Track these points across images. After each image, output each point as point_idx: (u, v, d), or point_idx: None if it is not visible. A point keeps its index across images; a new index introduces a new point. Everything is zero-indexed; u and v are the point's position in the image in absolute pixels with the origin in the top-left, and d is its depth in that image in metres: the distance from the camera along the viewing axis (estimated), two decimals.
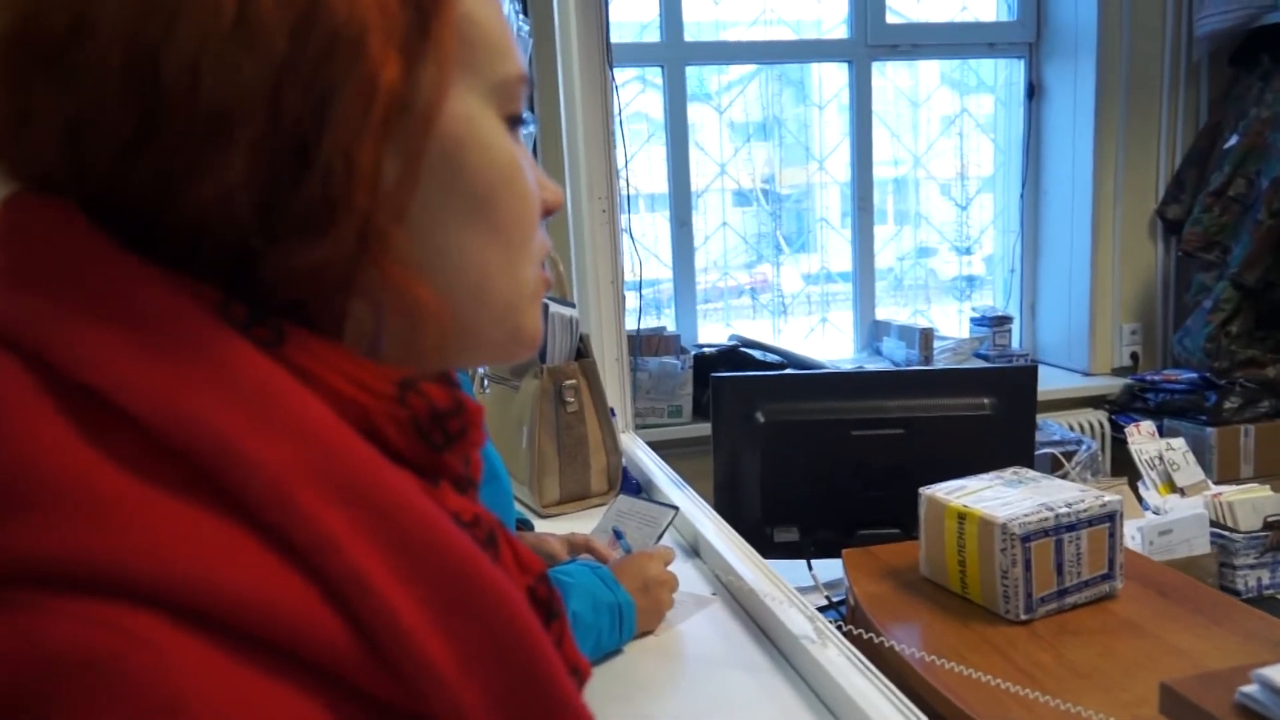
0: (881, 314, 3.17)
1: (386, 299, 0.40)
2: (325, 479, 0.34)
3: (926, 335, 2.88)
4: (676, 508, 1.29)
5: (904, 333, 2.96)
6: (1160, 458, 1.83)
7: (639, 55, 2.88)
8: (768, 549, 1.44)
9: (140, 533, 0.31)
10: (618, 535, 1.26)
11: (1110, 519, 1.14)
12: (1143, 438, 1.85)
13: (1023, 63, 3.13)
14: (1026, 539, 1.08)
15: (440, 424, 0.40)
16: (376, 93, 0.36)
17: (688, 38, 2.91)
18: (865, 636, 1.05)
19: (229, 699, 0.30)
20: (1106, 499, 1.14)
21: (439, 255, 0.41)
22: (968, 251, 3.32)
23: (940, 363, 2.88)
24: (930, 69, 3.20)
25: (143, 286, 0.35)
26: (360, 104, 0.36)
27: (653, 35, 2.89)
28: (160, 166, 0.35)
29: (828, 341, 3.17)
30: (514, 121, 0.43)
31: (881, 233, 3.18)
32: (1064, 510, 1.11)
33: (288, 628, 0.32)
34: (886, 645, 1.03)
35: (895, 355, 2.97)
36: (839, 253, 3.17)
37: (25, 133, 0.36)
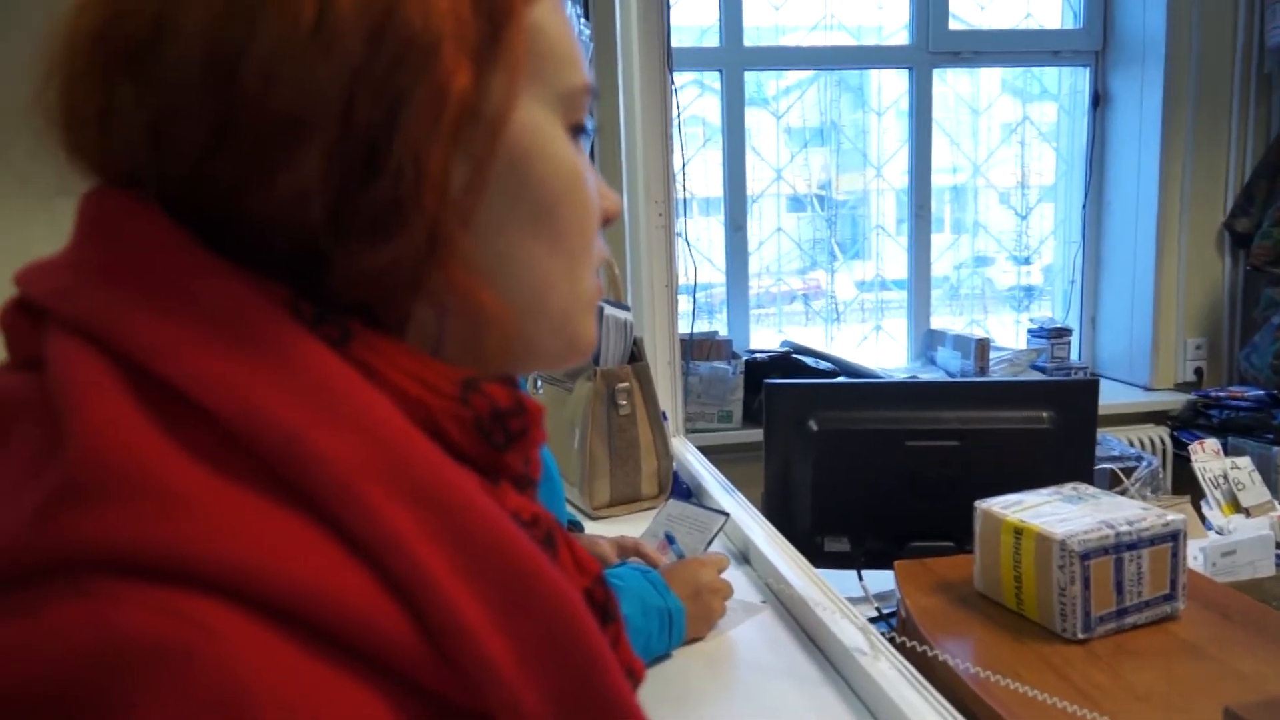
0: (936, 323, 3.14)
1: (450, 303, 0.40)
2: (391, 476, 0.34)
3: (983, 345, 2.83)
4: (727, 514, 1.29)
5: (959, 342, 2.92)
6: (1225, 476, 1.78)
7: (698, 60, 2.88)
8: (818, 558, 1.43)
9: (211, 524, 0.32)
10: (670, 540, 1.26)
11: (1173, 538, 1.11)
12: (1207, 455, 1.81)
13: (1088, 71, 3.08)
14: (1086, 556, 1.06)
15: (502, 423, 0.40)
16: (448, 99, 0.37)
17: (747, 43, 2.90)
18: (917, 649, 1.04)
19: (294, 691, 0.31)
20: (1170, 518, 1.11)
21: (502, 261, 0.41)
22: (1026, 261, 3.26)
23: (996, 374, 2.83)
24: (992, 76, 3.16)
25: (218, 282, 0.36)
26: (431, 110, 0.36)
27: (712, 40, 2.89)
28: (236, 166, 0.36)
29: (881, 350, 3.14)
30: (577, 131, 0.44)
31: (938, 241, 3.14)
32: (1125, 528, 1.08)
33: (352, 622, 0.32)
34: (939, 659, 1.02)
35: (950, 365, 2.93)
36: (894, 260, 3.14)
37: (107, 130, 0.37)
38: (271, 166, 0.35)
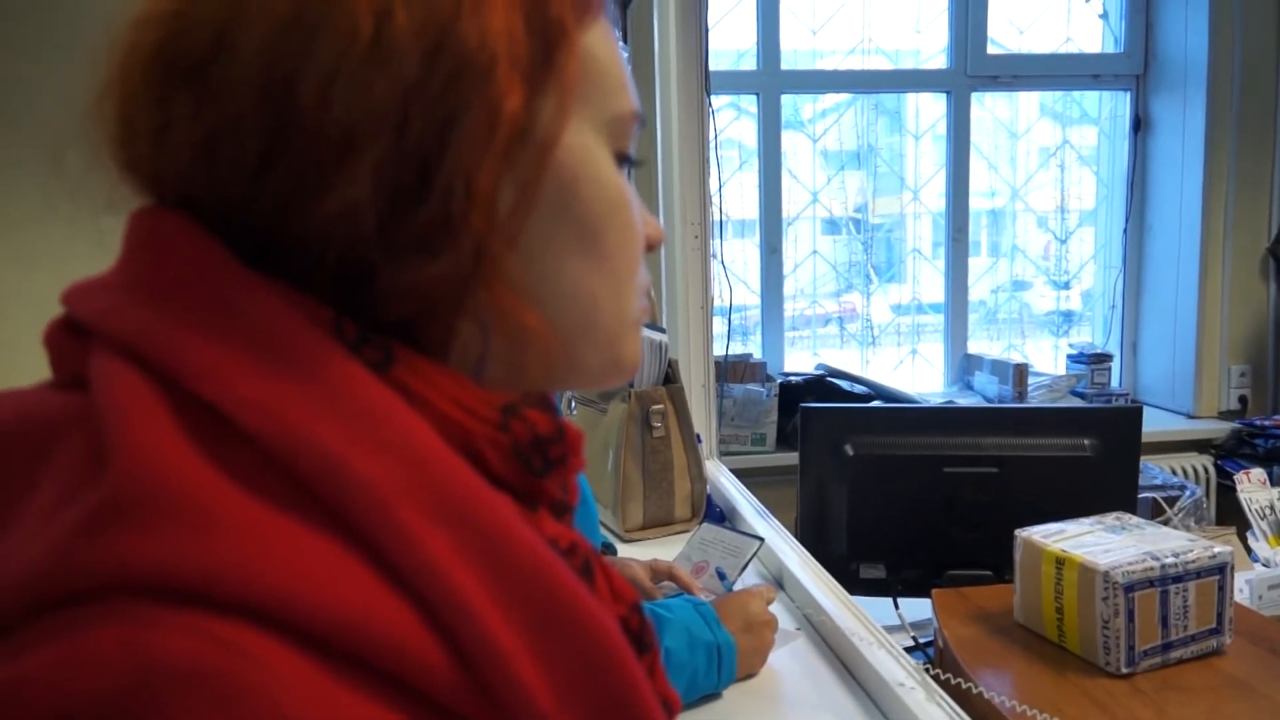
0: (974, 348, 3.10)
1: (494, 322, 0.40)
2: (428, 501, 0.34)
3: (1021, 371, 2.80)
4: (761, 539, 1.28)
5: (997, 367, 2.88)
6: (1271, 507, 1.74)
7: (736, 83, 2.89)
8: (853, 585, 1.41)
9: (251, 549, 0.31)
10: (720, 575, 1.24)
11: (1220, 571, 1.09)
12: (1252, 485, 1.77)
13: (1129, 95, 3.04)
14: (1130, 588, 1.04)
15: (541, 450, 0.40)
16: (500, 119, 0.37)
17: (784, 66, 2.91)
18: (954, 682, 1.02)
19: (331, 719, 0.31)
20: (1217, 550, 1.09)
21: (547, 282, 0.41)
22: (1065, 286, 3.22)
23: (1035, 399, 2.79)
24: (1030, 100, 3.13)
25: (263, 304, 0.36)
26: (484, 129, 0.37)
27: (749, 63, 2.90)
28: (289, 180, 0.36)
29: (917, 374, 3.11)
30: (623, 158, 0.44)
31: (975, 265, 3.11)
32: (1170, 560, 1.06)
33: (387, 649, 0.32)
34: (976, 691, 1.00)
35: (988, 390, 2.90)
36: (931, 283, 3.12)
37: (161, 146, 0.38)
38: (323, 182, 0.35)
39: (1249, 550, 1.73)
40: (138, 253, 0.38)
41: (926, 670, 0.99)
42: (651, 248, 0.47)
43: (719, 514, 1.61)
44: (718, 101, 2.71)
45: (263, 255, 0.37)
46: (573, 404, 1.67)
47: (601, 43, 0.43)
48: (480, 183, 0.37)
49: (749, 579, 1.28)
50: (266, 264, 0.37)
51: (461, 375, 0.39)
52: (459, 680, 0.33)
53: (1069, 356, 3.03)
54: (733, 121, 2.94)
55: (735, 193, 2.94)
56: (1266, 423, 2.72)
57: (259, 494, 0.33)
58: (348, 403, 0.35)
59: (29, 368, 0.42)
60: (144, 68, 0.38)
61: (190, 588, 0.30)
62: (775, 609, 1.20)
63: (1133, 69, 3.02)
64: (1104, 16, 3.05)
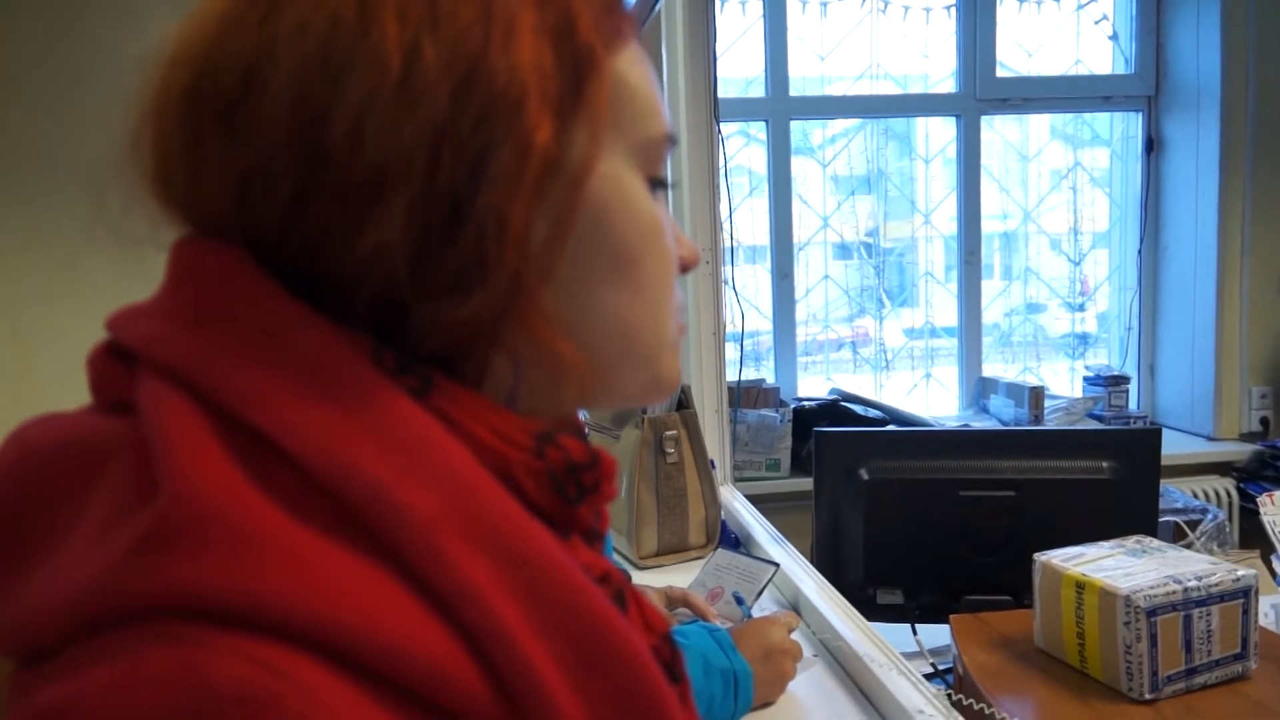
0: (988, 371, 3.09)
1: (529, 354, 0.40)
2: (471, 529, 0.34)
3: (1037, 394, 2.78)
4: (777, 564, 1.26)
5: (1012, 390, 2.86)
6: None
7: (745, 110, 2.91)
8: (870, 610, 1.39)
9: (297, 575, 0.32)
10: (739, 600, 1.23)
11: (1244, 594, 1.07)
12: (1276, 508, 1.74)
13: (1140, 116, 3.04)
14: (1152, 613, 1.02)
15: (575, 476, 0.40)
16: (531, 154, 0.36)
17: (792, 93, 2.92)
18: (976, 708, 1.01)
19: None
20: (1240, 573, 1.07)
21: (583, 312, 0.41)
22: (1080, 308, 3.21)
23: (1051, 423, 2.77)
24: (1040, 122, 3.14)
25: (306, 332, 0.36)
26: (515, 165, 0.36)
27: (757, 90, 2.91)
28: (321, 220, 0.36)
29: (931, 398, 3.09)
30: (655, 181, 0.44)
31: (989, 287, 3.10)
32: (1193, 584, 1.04)
33: (428, 675, 0.32)
34: (1000, 719, 0.98)
35: (1003, 414, 2.88)
36: (943, 307, 3.11)
37: (197, 184, 0.38)
38: (355, 222, 0.35)
39: (1273, 574, 1.70)
40: (182, 280, 0.38)
41: (947, 696, 0.97)
42: (686, 269, 0.47)
43: (734, 540, 1.60)
44: (727, 129, 2.73)
45: (302, 288, 0.37)
46: (586, 431, 1.66)
47: (632, 67, 0.42)
48: (513, 219, 0.36)
49: (767, 605, 1.27)
50: (305, 295, 0.37)
51: (497, 403, 0.39)
52: (498, 708, 0.33)
53: (1085, 379, 3.01)
54: (742, 148, 2.95)
55: (746, 219, 2.94)
56: None
57: (304, 519, 0.33)
58: (392, 430, 0.35)
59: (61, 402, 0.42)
60: (177, 108, 0.38)
61: (240, 612, 0.31)
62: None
63: (1144, 90, 3.01)
64: (1114, 38, 3.06)
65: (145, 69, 0.38)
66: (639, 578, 1.44)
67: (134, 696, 0.29)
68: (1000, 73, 2.99)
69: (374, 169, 0.35)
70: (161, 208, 0.40)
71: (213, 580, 0.31)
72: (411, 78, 0.35)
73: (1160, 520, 2.01)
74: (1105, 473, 1.40)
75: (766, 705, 1.02)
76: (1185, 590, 1.04)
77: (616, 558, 1.52)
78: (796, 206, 2.96)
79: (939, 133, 3.05)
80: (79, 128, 1.72)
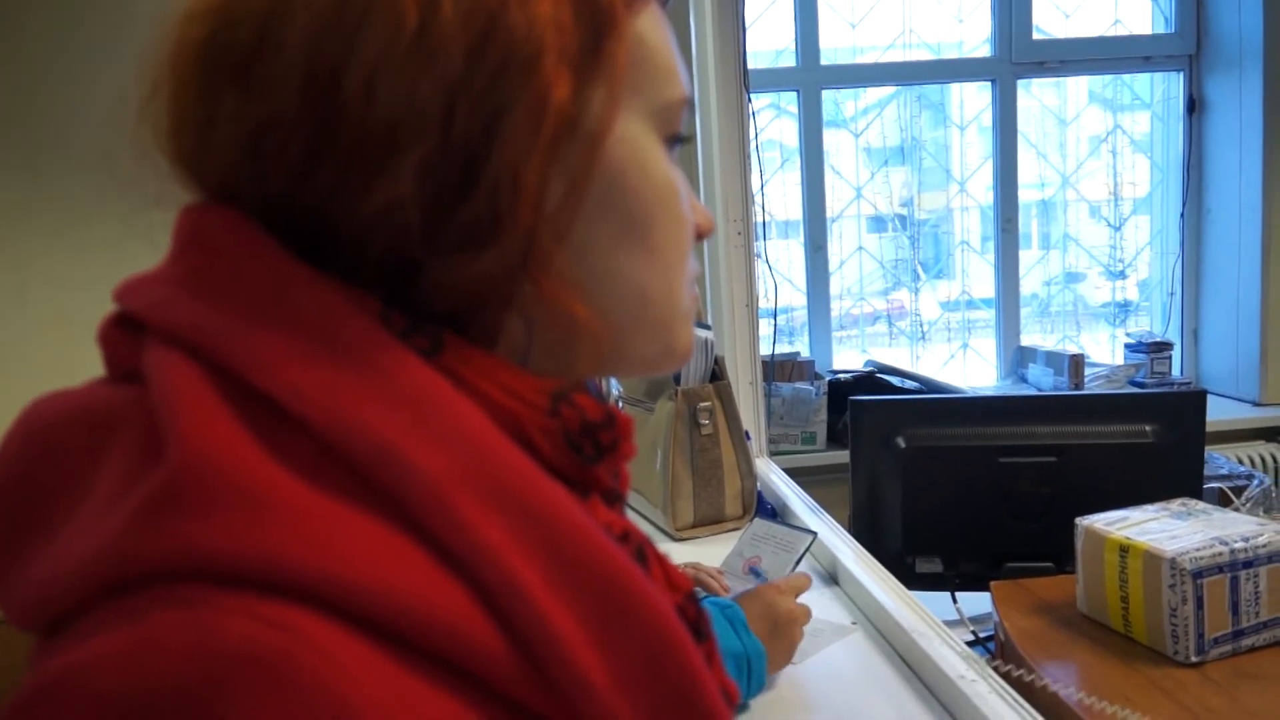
0: (1026, 341, 3.04)
1: (542, 314, 0.40)
2: (483, 487, 0.34)
3: (1077, 361, 2.74)
4: (814, 533, 1.26)
5: (1052, 359, 2.82)
6: None
7: (775, 80, 2.88)
8: (909, 579, 1.38)
9: (311, 536, 0.32)
10: (755, 573, 1.22)
11: None
12: None
13: (1181, 76, 2.97)
14: (1198, 575, 1.00)
15: (591, 436, 0.40)
16: (547, 112, 0.36)
17: (823, 62, 2.88)
18: (1018, 674, 1.00)
19: (393, 706, 0.31)
20: None
21: (597, 275, 0.41)
22: (1121, 275, 3.15)
23: (1092, 390, 2.73)
24: (1079, 86, 3.07)
25: (313, 295, 0.36)
26: (530, 123, 0.36)
27: (787, 61, 2.88)
28: (334, 176, 0.36)
29: (969, 368, 3.06)
30: (672, 142, 0.43)
31: (1026, 257, 3.05)
32: (1240, 545, 1.02)
33: (447, 635, 0.32)
34: (1041, 684, 0.97)
35: (1042, 383, 2.84)
36: (980, 277, 3.06)
37: (209, 140, 0.38)
38: (368, 178, 0.35)
39: None
40: (188, 247, 0.38)
41: (989, 663, 0.97)
42: (701, 236, 0.46)
43: (770, 511, 1.59)
44: (758, 101, 2.70)
45: (309, 249, 0.37)
46: (620, 404, 1.66)
47: (652, 28, 0.42)
48: (527, 177, 0.36)
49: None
50: (313, 257, 0.37)
51: (510, 362, 0.39)
52: (517, 667, 0.33)
53: (1127, 346, 2.96)
54: (773, 121, 2.92)
55: (778, 193, 2.92)
56: None
57: (315, 480, 0.33)
58: (400, 390, 0.35)
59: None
60: (192, 63, 0.38)
61: (251, 573, 0.31)
62: (828, 603, 1.19)
63: (1185, 49, 2.94)
64: None
65: (161, 23, 0.38)
66: (676, 549, 1.44)
67: (147, 660, 0.29)
68: (1036, 36, 2.93)
69: (388, 123, 0.35)
70: (172, 165, 0.39)
71: (223, 541, 0.31)
72: (428, 31, 0.35)
73: (1205, 486, 1.98)
74: (1149, 436, 1.38)
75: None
76: (1232, 552, 1.02)
77: (654, 530, 1.52)
78: (829, 178, 2.92)
79: (973, 100, 3.00)
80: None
